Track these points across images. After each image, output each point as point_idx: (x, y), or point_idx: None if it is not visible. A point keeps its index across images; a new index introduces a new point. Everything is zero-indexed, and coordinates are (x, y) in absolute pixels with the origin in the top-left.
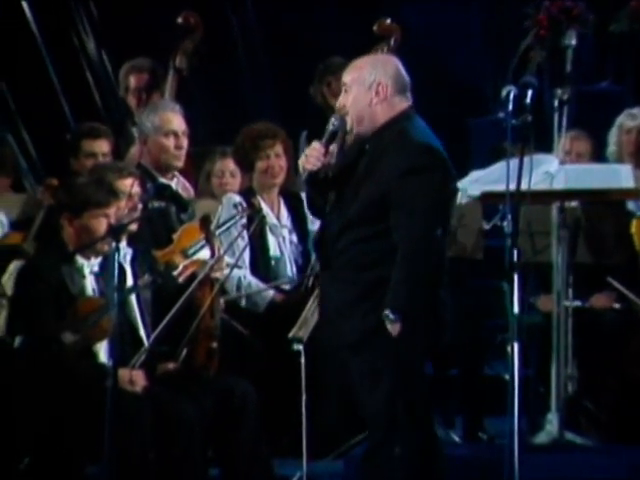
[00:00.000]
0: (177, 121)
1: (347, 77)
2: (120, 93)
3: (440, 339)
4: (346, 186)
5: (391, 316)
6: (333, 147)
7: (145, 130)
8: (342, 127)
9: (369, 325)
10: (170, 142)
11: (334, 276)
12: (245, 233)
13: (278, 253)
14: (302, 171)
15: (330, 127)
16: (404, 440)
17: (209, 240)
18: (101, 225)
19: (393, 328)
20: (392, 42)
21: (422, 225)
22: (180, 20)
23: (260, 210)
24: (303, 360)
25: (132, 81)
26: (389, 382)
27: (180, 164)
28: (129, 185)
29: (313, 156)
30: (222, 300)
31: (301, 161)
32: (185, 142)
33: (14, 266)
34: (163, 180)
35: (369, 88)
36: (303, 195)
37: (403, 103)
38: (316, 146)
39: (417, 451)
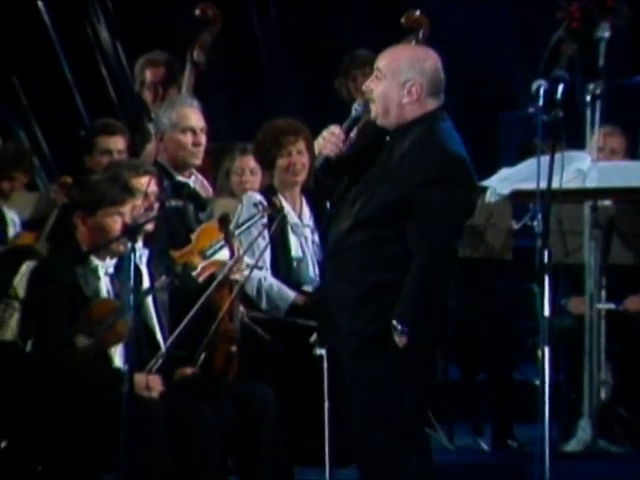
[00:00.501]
0: (195, 117)
1: (382, 63)
2: (135, 88)
3: (442, 347)
4: (361, 176)
5: (399, 327)
6: (353, 134)
7: (161, 126)
8: (365, 113)
9: (372, 332)
10: (187, 139)
11: (338, 272)
12: (266, 233)
13: (300, 254)
14: (317, 155)
15: (353, 113)
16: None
17: (228, 240)
18: (116, 224)
19: (400, 340)
20: (420, 35)
21: (442, 239)
22: (198, 12)
23: (281, 209)
24: (326, 365)
25: (148, 75)
26: (387, 392)
27: (198, 162)
28: (145, 183)
29: (331, 141)
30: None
31: (318, 144)
32: (203, 139)
33: (26, 267)
34: (181, 178)
35: (402, 85)
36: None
37: (434, 103)
38: (335, 131)
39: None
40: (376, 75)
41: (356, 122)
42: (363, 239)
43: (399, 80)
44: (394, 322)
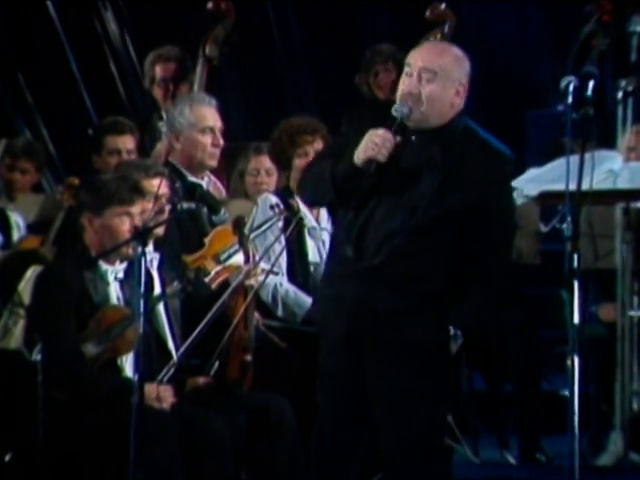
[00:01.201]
0: (214, 117)
1: (430, 63)
2: (145, 85)
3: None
4: (403, 179)
5: (457, 333)
6: (399, 138)
7: (177, 125)
8: (409, 116)
9: (428, 342)
10: (207, 139)
11: (383, 282)
12: (282, 237)
13: (317, 258)
14: (365, 160)
15: (397, 115)
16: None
17: (243, 244)
18: (124, 225)
19: (453, 347)
20: (446, 29)
21: (509, 242)
22: (210, 5)
23: (298, 212)
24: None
25: (158, 71)
26: (431, 403)
27: (214, 164)
28: (156, 185)
29: (386, 147)
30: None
31: (369, 150)
32: (221, 140)
33: (32, 272)
34: (193, 179)
35: (451, 86)
36: None
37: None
38: (387, 136)
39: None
40: (422, 76)
41: (402, 125)
42: (418, 245)
43: (450, 81)
44: (454, 329)
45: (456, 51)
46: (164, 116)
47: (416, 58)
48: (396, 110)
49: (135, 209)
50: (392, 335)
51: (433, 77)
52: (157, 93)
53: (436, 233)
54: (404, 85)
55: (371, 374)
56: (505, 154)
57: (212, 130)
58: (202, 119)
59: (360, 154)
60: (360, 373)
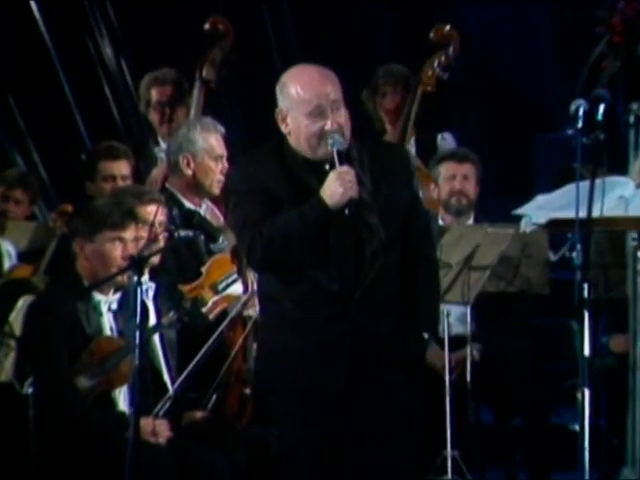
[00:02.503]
0: (222, 144)
1: (335, 92)
2: (141, 109)
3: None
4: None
5: (428, 338)
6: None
7: (192, 149)
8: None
9: (413, 358)
10: (218, 167)
11: (371, 308)
12: None
13: None
14: (347, 201)
15: (341, 147)
16: None
17: (242, 273)
18: (116, 251)
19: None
20: (451, 51)
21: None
22: (207, 26)
23: None
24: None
25: (154, 95)
26: (419, 426)
27: (218, 192)
28: (151, 212)
29: (354, 182)
30: None
31: (348, 190)
32: (226, 167)
33: (23, 303)
34: (190, 206)
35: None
36: None
37: None
38: (351, 170)
39: None
40: (336, 107)
41: (346, 156)
42: (388, 264)
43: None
44: (426, 335)
45: (323, 68)
46: (160, 141)
47: (321, 95)
48: (338, 143)
49: (128, 234)
50: (390, 361)
51: (339, 104)
52: (153, 117)
53: (395, 244)
54: (323, 123)
55: (370, 407)
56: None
57: (222, 158)
58: (217, 147)
59: (337, 197)
60: (350, 417)
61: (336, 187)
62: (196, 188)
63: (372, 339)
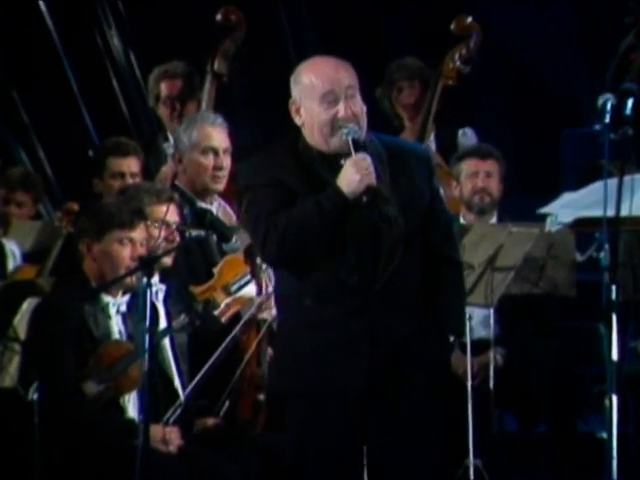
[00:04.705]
0: (219, 137)
1: (349, 79)
2: (150, 103)
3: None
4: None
5: (456, 343)
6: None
7: (181, 146)
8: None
9: (438, 361)
10: (208, 161)
11: (393, 303)
12: None
13: None
14: (364, 189)
15: (356, 136)
16: None
17: (255, 274)
18: (124, 251)
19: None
20: (472, 44)
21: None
22: (219, 17)
23: None
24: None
25: (164, 89)
26: (439, 432)
27: (219, 187)
28: (167, 212)
29: (371, 169)
30: None
31: (365, 178)
32: (227, 162)
33: (28, 305)
34: (202, 204)
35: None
36: None
37: None
38: (367, 157)
39: None
40: (351, 95)
41: (362, 144)
42: (409, 258)
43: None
44: (452, 339)
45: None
46: (170, 137)
47: (334, 80)
48: (353, 132)
49: (137, 234)
50: (412, 361)
51: (354, 92)
52: (162, 112)
53: (414, 241)
54: (336, 110)
55: (390, 407)
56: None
57: (215, 151)
58: (204, 139)
59: (354, 184)
60: (370, 417)
61: (352, 174)
62: (195, 186)
63: (391, 336)
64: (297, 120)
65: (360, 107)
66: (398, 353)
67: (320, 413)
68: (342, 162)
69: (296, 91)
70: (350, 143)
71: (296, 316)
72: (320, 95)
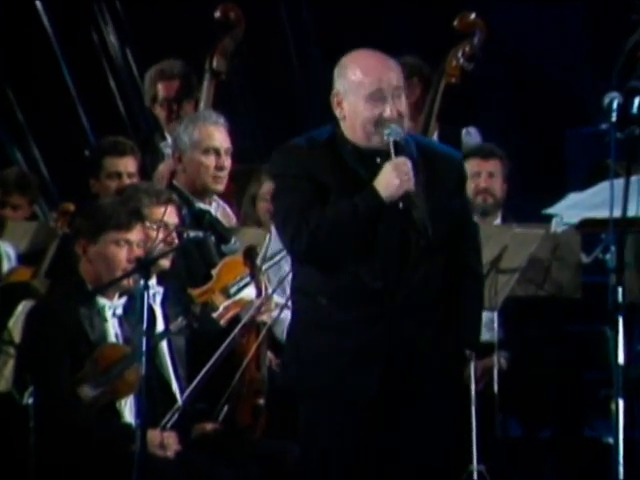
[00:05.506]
0: (220, 137)
1: (397, 79)
2: (146, 102)
3: None
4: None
5: (470, 354)
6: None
7: (181, 145)
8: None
9: (452, 374)
10: (210, 161)
11: (412, 310)
12: None
13: None
14: (403, 194)
15: (397, 137)
16: None
17: (255, 276)
18: (121, 253)
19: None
20: (476, 41)
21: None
22: (218, 14)
23: None
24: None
25: (160, 90)
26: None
27: (220, 188)
28: (165, 213)
29: (411, 174)
30: None
31: (404, 183)
32: (228, 162)
33: (23, 308)
34: (201, 205)
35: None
36: None
37: None
38: (408, 162)
39: None
40: (397, 94)
41: (402, 147)
42: (436, 265)
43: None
44: (468, 350)
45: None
46: (167, 136)
47: (383, 79)
48: (395, 133)
49: (134, 236)
50: (425, 372)
51: (401, 92)
52: (160, 113)
53: (441, 250)
54: (381, 109)
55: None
56: (453, 152)
57: (217, 151)
58: (206, 138)
59: (392, 189)
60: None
61: (392, 178)
62: (194, 186)
63: (410, 345)
64: (337, 112)
65: (405, 108)
66: (413, 363)
67: (329, 416)
68: (377, 160)
69: (340, 84)
70: (392, 145)
71: (311, 315)
72: (368, 93)
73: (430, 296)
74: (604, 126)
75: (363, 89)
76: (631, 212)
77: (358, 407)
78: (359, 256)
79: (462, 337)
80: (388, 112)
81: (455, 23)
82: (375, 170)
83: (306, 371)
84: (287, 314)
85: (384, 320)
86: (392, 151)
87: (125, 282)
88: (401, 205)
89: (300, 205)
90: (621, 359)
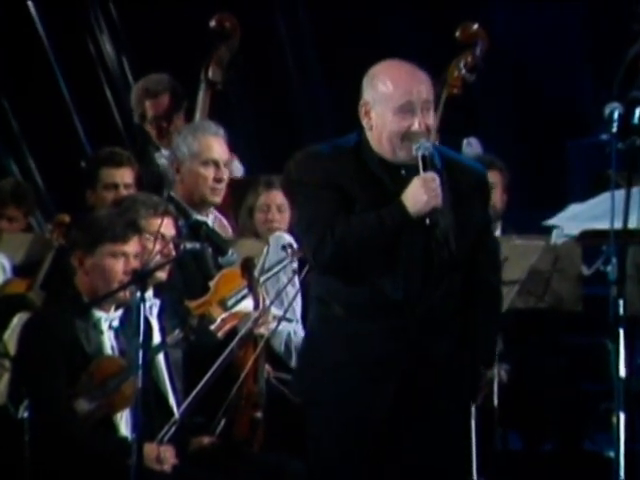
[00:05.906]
0: (220, 149)
1: (427, 92)
2: (135, 120)
3: None
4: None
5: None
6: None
7: (179, 155)
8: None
9: (466, 391)
10: (208, 172)
11: (432, 322)
12: (296, 279)
13: None
14: (431, 210)
15: (426, 152)
16: None
17: (252, 288)
18: (117, 265)
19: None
20: (478, 51)
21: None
22: (213, 24)
23: None
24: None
25: (149, 109)
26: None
27: (218, 200)
28: (161, 225)
29: (439, 190)
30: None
31: (433, 199)
32: (226, 174)
33: (18, 320)
34: (198, 216)
35: None
36: None
37: None
38: (436, 178)
39: None
40: (427, 107)
41: (430, 163)
42: (456, 282)
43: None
44: (484, 370)
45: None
46: (160, 147)
47: (413, 92)
48: (424, 148)
49: (130, 248)
50: (440, 388)
51: (430, 106)
52: (150, 130)
53: (462, 264)
54: (410, 122)
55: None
56: (479, 166)
57: (216, 163)
58: (206, 150)
59: (420, 204)
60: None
61: (420, 194)
62: (192, 197)
63: (427, 360)
64: (365, 122)
65: (433, 122)
66: (428, 378)
67: (337, 430)
68: (402, 172)
69: (369, 94)
70: (420, 160)
71: (329, 326)
72: (397, 106)
73: (449, 311)
74: (605, 137)
75: (392, 101)
76: (632, 223)
77: (369, 423)
78: (382, 268)
79: (478, 354)
80: (416, 125)
81: (457, 34)
82: (400, 181)
83: (320, 383)
84: (285, 326)
85: (403, 333)
86: (420, 166)
87: (121, 294)
88: (428, 221)
89: (325, 215)
90: (622, 372)
